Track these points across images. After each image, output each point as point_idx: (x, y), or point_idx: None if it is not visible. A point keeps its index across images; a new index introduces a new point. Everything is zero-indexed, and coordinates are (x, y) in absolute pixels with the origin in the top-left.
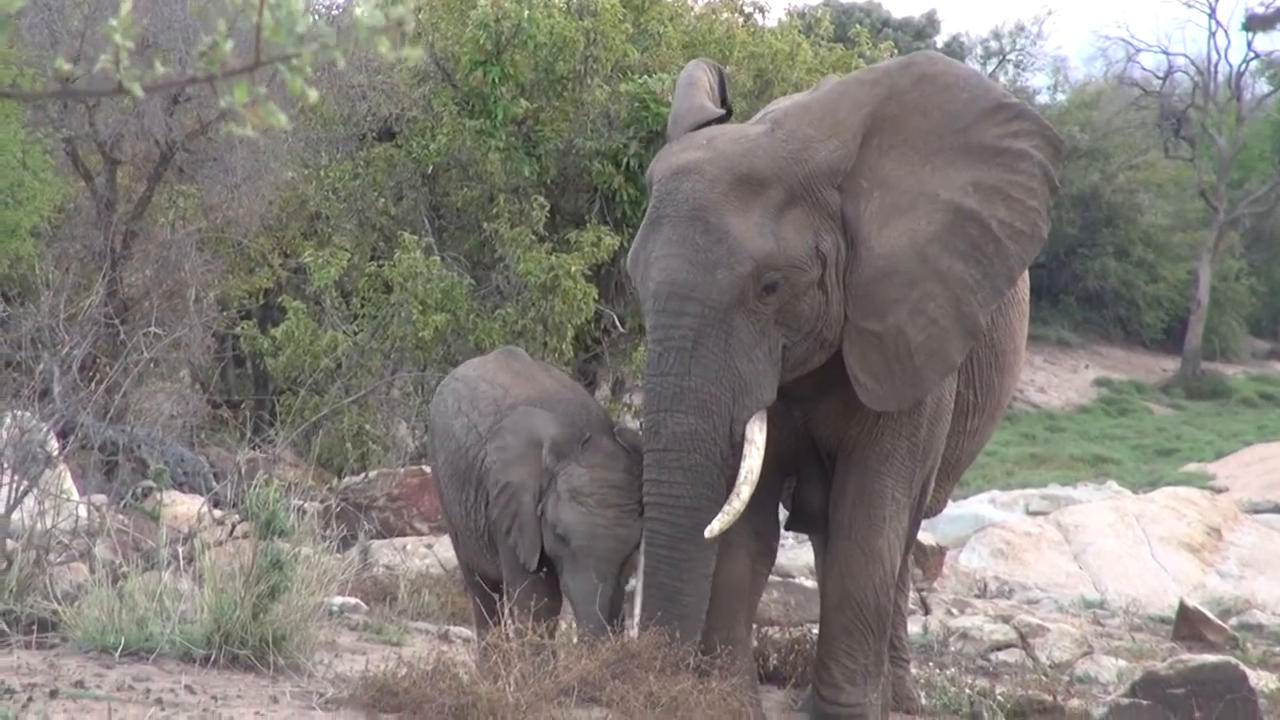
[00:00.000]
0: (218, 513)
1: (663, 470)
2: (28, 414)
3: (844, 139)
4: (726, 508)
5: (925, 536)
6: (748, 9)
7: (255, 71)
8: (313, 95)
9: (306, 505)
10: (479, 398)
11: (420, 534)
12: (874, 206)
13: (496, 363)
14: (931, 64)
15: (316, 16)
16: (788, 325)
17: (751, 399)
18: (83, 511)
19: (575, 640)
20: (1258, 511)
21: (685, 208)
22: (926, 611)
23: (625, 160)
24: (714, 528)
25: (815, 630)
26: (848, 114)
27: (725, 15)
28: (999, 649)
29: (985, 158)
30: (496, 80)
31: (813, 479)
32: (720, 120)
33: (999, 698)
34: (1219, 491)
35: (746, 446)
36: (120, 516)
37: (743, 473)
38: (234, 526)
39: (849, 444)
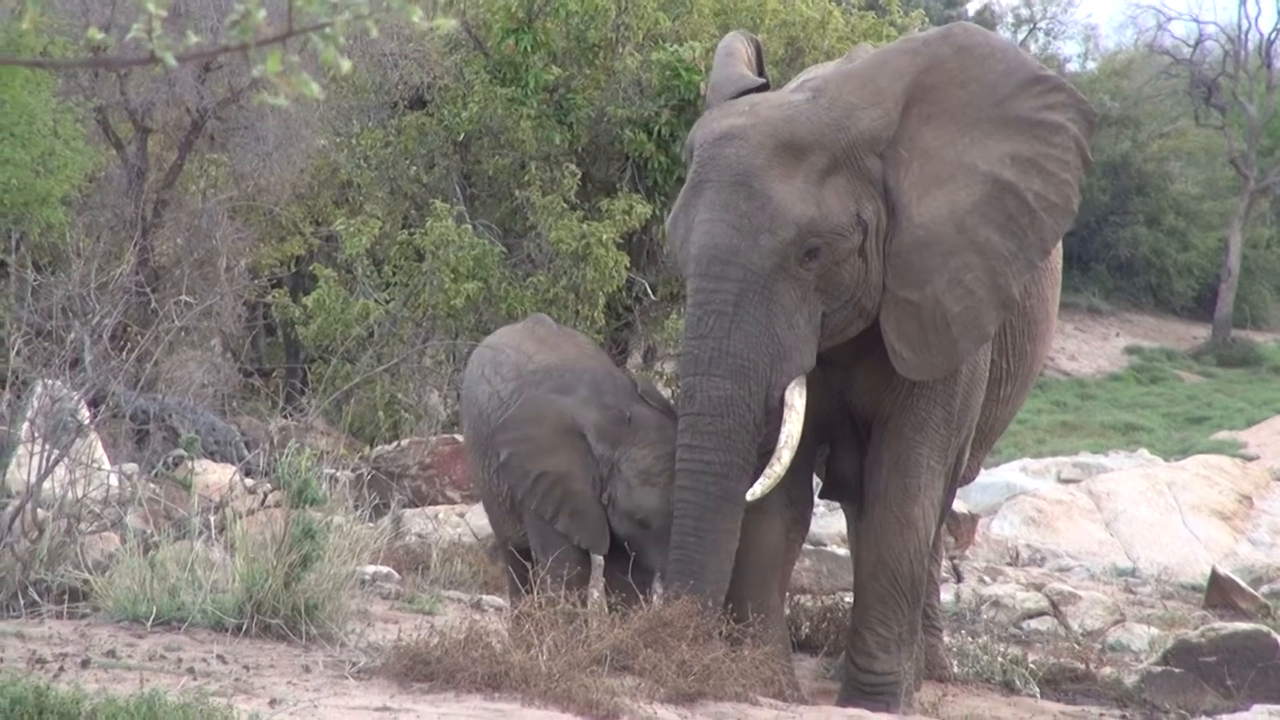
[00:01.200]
0: (249, 482)
1: (696, 435)
2: (59, 383)
3: (886, 107)
4: (768, 471)
5: (957, 504)
6: None
7: (288, 41)
8: (345, 65)
9: (338, 474)
10: (502, 364)
11: (452, 502)
12: (913, 175)
13: (523, 330)
14: (969, 35)
15: None
16: (827, 292)
17: (791, 365)
18: (114, 480)
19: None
20: None
21: (728, 173)
22: (959, 579)
23: (657, 128)
24: (755, 491)
25: (848, 598)
26: (889, 83)
27: None
28: (1031, 617)
29: (1022, 129)
30: (528, 48)
31: (848, 447)
32: (760, 89)
33: (1031, 666)
34: (1250, 459)
35: (786, 411)
36: (151, 485)
37: (783, 437)
38: (266, 495)
39: (884, 412)
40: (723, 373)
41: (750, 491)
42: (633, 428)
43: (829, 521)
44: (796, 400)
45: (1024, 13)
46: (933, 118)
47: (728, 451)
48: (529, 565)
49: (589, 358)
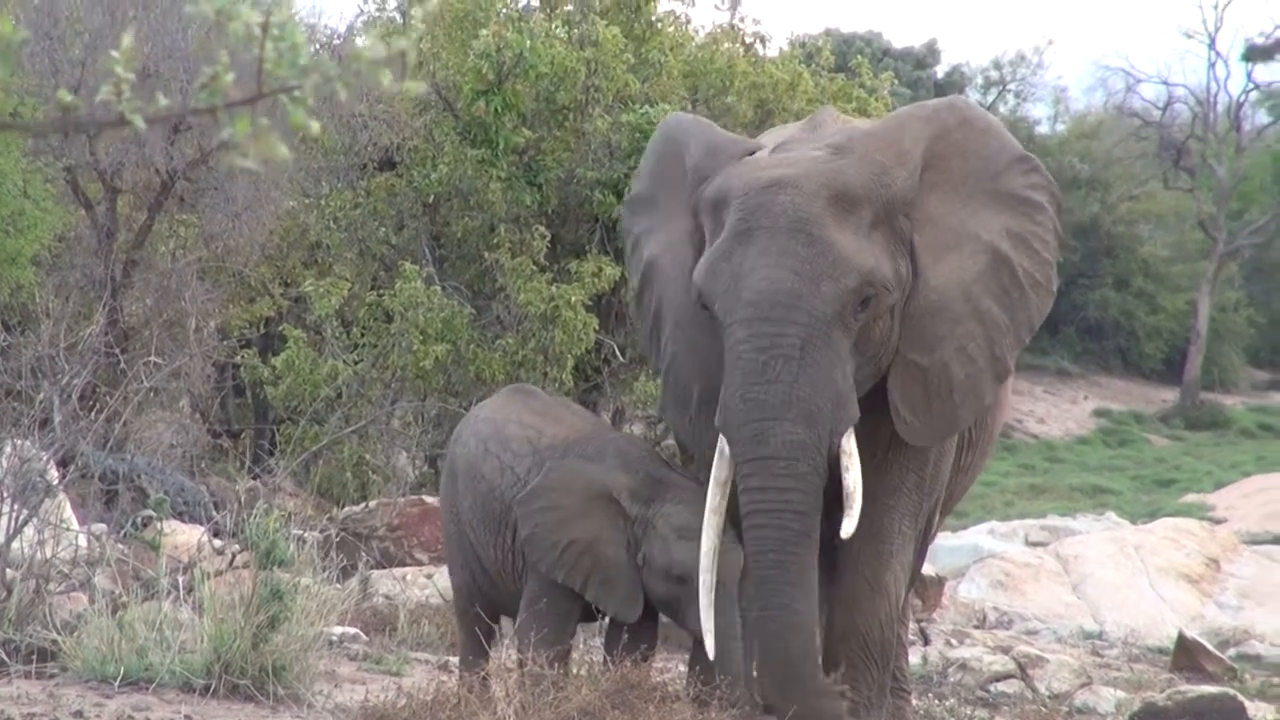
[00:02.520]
0: (218, 542)
1: (770, 477)
2: (28, 443)
3: (910, 170)
4: (849, 511)
5: (925, 567)
6: (749, 39)
7: (257, 103)
8: (315, 127)
9: (306, 535)
10: (509, 439)
11: (420, 564)
12: (925, 240)
13: (517, 402)
14: (969, 108)
15: (318, 47)
16: (858, 348)
17: (846, 413)
18: (82, 541)
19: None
20: (1257, 542)
21: (784, 220)
22: (926, 642)
23: (626, 190)
24: (847, 528)
25: None
26: (910, 146)
27: (726, 45)
28: (998, 680)
29: (1013, 206)
30: (498, 110)
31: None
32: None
33: None
34: (1218, 522)
35: (845, 459)
36: (120, 546)
37: (851, 482)
38: (234, 556)
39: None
40: (794, 417)
41: (843, 528)
42: (665, 486)
43: None
44: (852, 448)
45: (993, 75)
46: (937, 185)
47: (803, 492)
48: (495, 629)
49: (604, 427)
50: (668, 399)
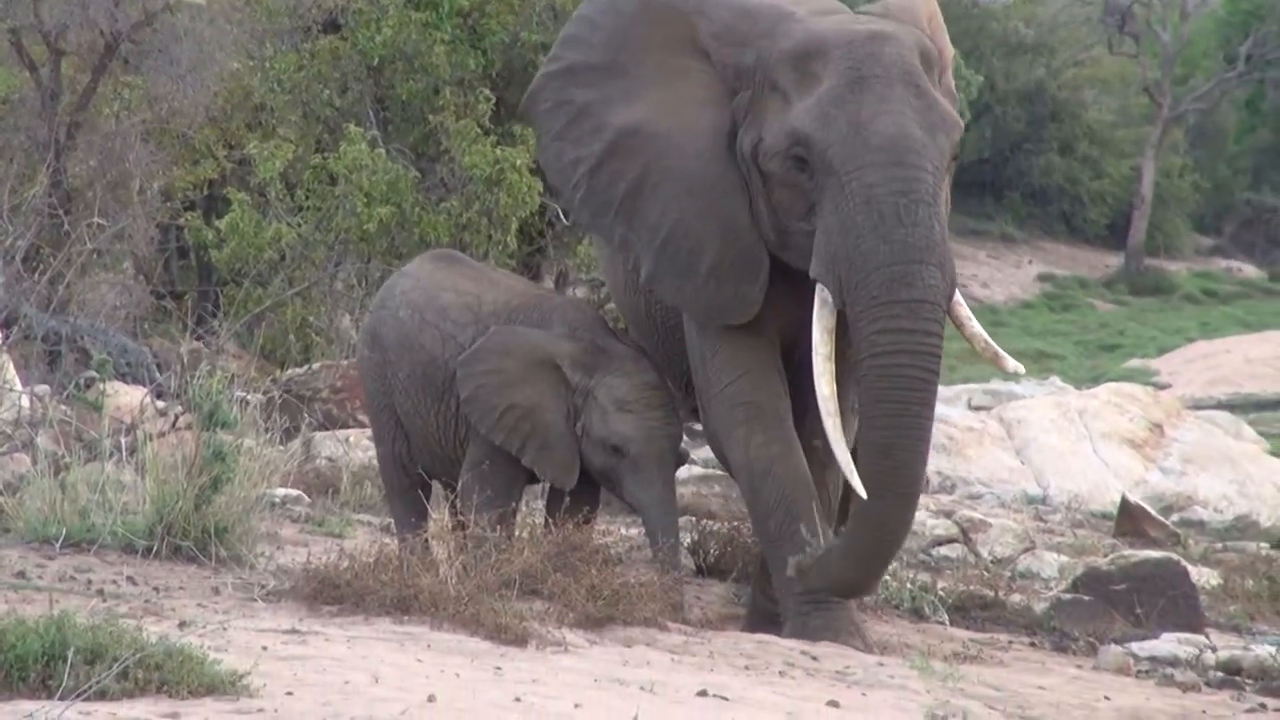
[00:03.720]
0: (160, 404)
1: (917, 320)
2: None
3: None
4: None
5: None
6: None
7: None
8: None
9: (249, 397)
10: (447, 308)
11: (363, 426)
12: None
13: (446, 269)
14: None
15: None
16: None
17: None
18: (25, 402)
19: (653, 553)
20: (1200, 408)
21: (895, 70)
22: None
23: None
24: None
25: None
26: (925, 23)
27: None
28: (940, 544)
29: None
30: None
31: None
32: None
33: (940, 593)
34: (1162, 388)
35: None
36: (63, 407)
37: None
38: (177, 418)
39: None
40: (935, 262)
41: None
42: (607, 357)
43: None
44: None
45: None
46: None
47: (940, 339)
48: (432, 491)
49: (541, 291)
50: (662, 268)
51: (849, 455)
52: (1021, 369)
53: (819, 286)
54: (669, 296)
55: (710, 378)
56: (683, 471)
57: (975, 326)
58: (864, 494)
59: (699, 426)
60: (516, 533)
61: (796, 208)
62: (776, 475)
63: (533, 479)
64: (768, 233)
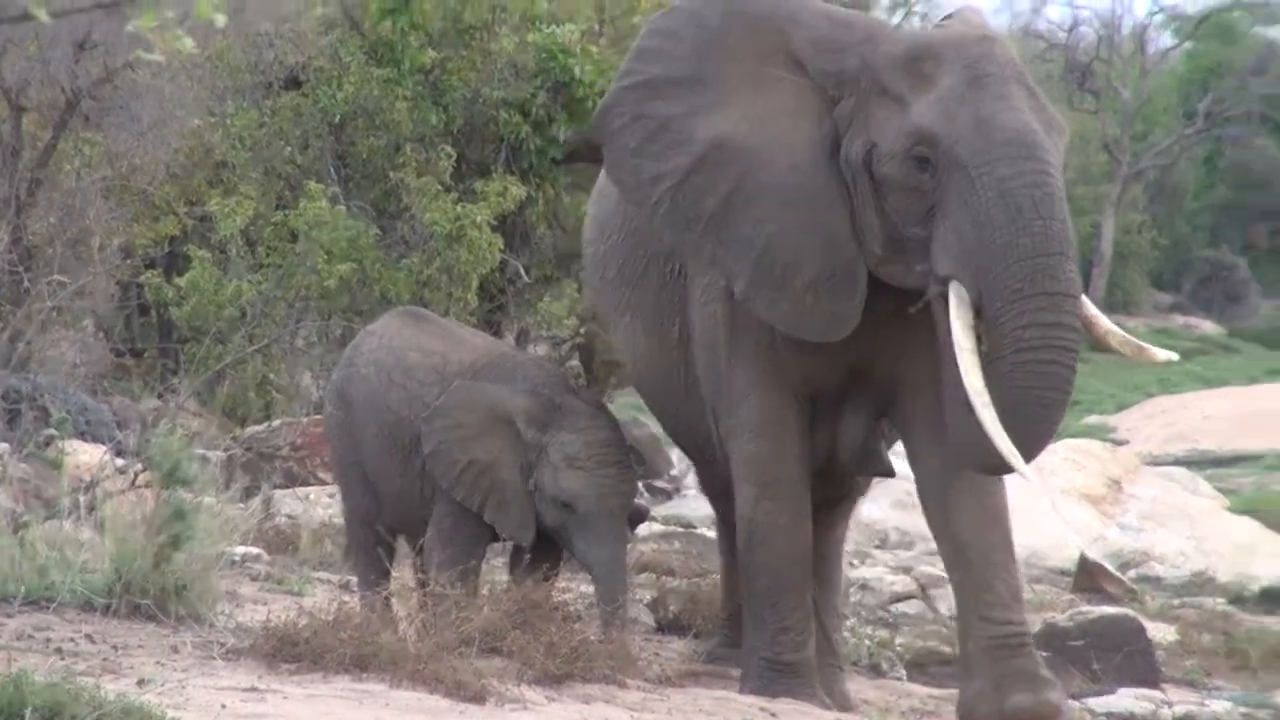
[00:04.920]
0: (120, 462)
1: (1064, 314)
2: None
3: None
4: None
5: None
6: None
7: None
8: (220, 19)
9: (210, 454)
10: (413, 368)
11: (323, 483)
12: None
13: (413, 327)
14: None
15: None
16: None
17: None
18: None
19: (602, 611)
20: (1158, 464)
21: (1010, 70)
22: None
23: (532, 110)
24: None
25: (715, 578)
26: None
27: None
28: (899, 600)
29: None
30: (404, 29)
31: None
32: None
33: (898, 648)
34: (1120, 444)
35: None
36: (22, 465)
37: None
38: (136, 476)
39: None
40: (1071, 256)
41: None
42: (562, 413)
43: (698, 505)
44: None
45: None
46: None
47: (1080, 334)
48: (395, 549)
49: (505, 348)
50: (757, 282)
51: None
52: (1175, 356)
53: (952, 284)
54: (764, 312)
55: (734, 427)
56: (643, 528)
57: (1107, 323)
58: (1027, 474)
59: (659, 484)
60: (479, 590)
61: (914, 212)
62: (776, 546)
63: (496, 536)
64: (872, 246)
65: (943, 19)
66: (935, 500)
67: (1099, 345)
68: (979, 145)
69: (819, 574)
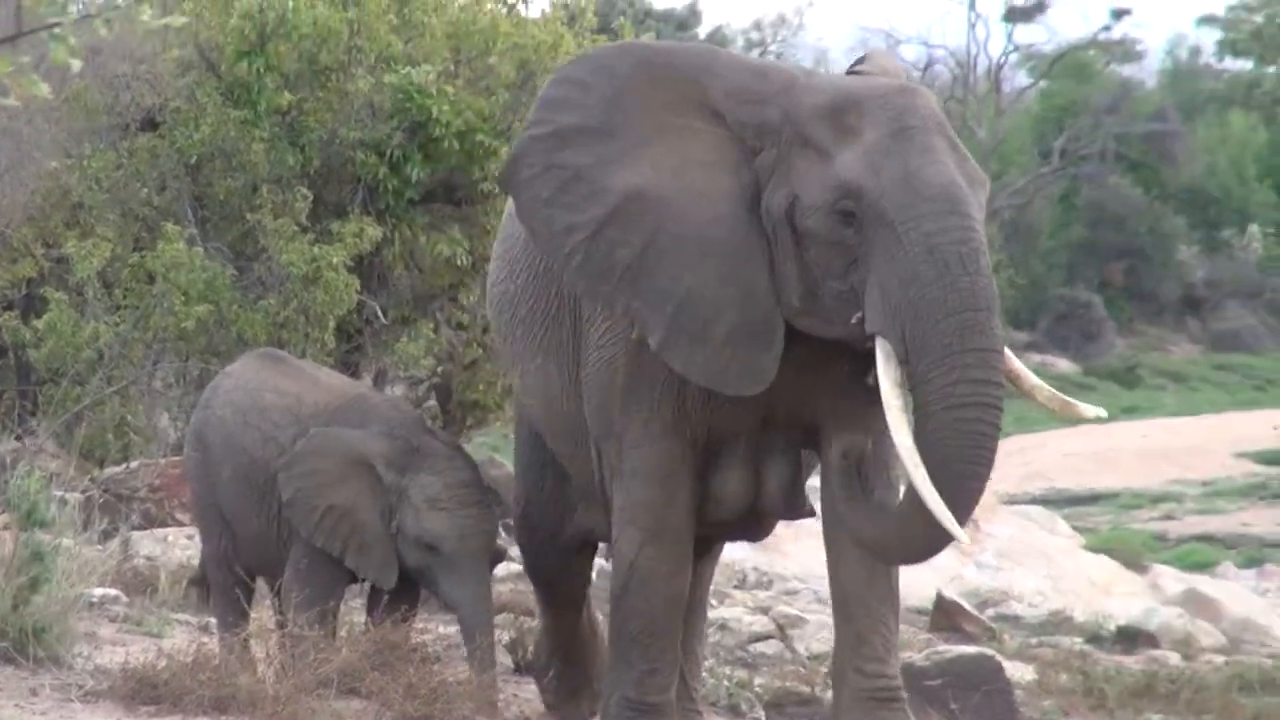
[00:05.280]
0: None
1: (990, 370)
2: None
3: None
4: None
5: None
6: (512, 0)
7: (17, 41)
8: (76, 65)
9: (68, 496)
10: (268, 409)
11: (181, 524)
12: None
13: (269, 369)
14: None
15: None
16: None
17: None
18: None
19: (469, 652)
20: (1015, 503)
21: (931, 121)
22: None
23: (389, 151)
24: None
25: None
26: None
27: (489, 6)
28: (757, 640)
29: None
30: (261, 71)
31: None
32: None
33: (757, 689)
34: None
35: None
36: None
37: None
38: None
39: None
40: (996, 312)
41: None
42: (421, 455)
43: None
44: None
45: (754, 36)
46: None
47: (1005, 391)
48: (254, 590)
49: (368, 391)
50: (674, 336)
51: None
52: (1103, 413)
53: (879, 341)
54: (680, 365)
55: (624, 472)
56: (500, 569)
57: (1033, 378)
58: (961, 538)
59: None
60: (337, 631)
61: (835, 265)
62: (654, 592)
63: (355, 578)
64: (790, 298)
65: (856, 63)
66: (831, 541)
67: (1025, 398)
68: (905, 200)
69: (686, 620)
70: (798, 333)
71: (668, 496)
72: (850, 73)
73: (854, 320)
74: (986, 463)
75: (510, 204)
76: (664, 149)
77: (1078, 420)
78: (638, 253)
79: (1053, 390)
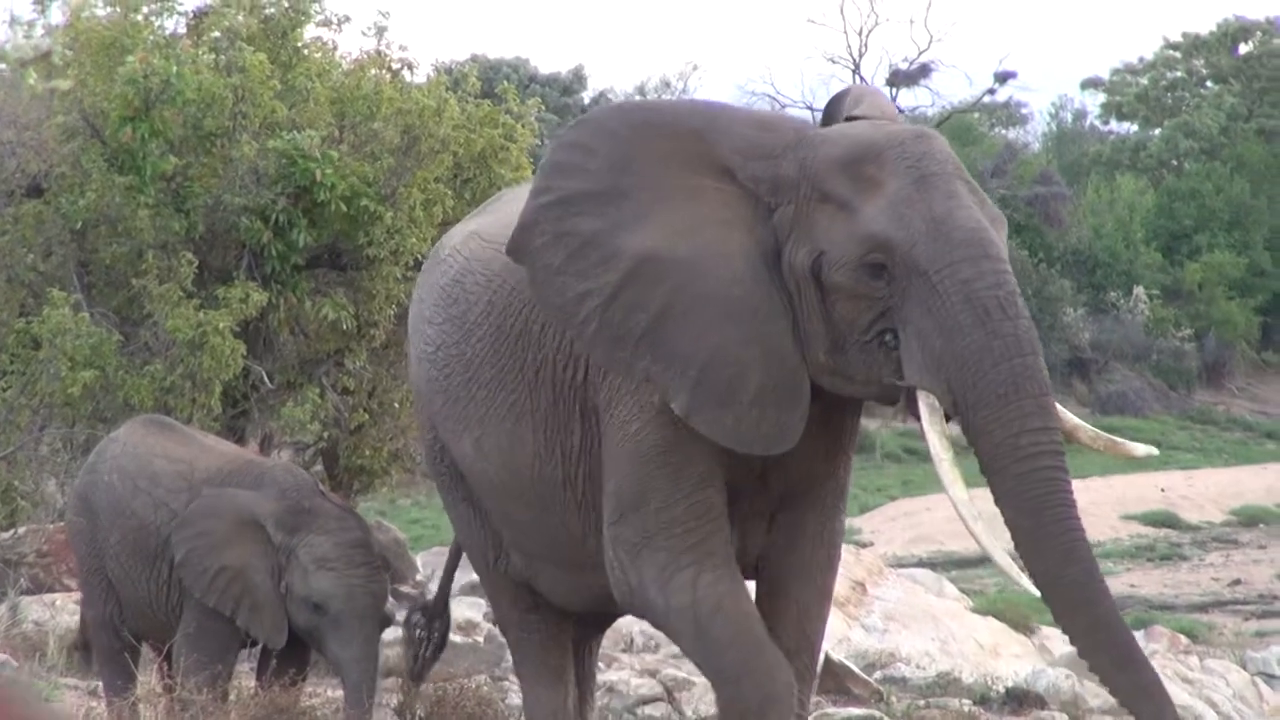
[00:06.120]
0: None
1: (1049, 416)
2: None
3: None
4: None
5: None
6: (395, 65)
7: None
8: None
9: None
10: (159, 475)
11: (69, 589)
12: None
13: (157, 434)
14: None
15: None
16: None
17: None
18: None
19: (348, 713)
20: (902, 565)
21: (950, 166)
22: None
23: (274, 216)
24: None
25: (463, 683)
26: None
27: (373, 71)
28: (645, 703)
29: None
30: (145, 136)
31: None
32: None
33: None
34: (864, 546)
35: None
36: None
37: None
38: None
39: (817, 477)
40: (1041, 354)
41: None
42: (312, 516)
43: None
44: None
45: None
46: None
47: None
48: (141, 655)
49: (261, 458)
50: (699, 399)
51: (1008, 557)
52: (1155, 450)
53: (921, 395)
54: (706, 428)
55: (652, 523)
56: (389, 633)
57: (1073, 418)
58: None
59: (405, 588)
60: (228, 694)
61: (862, 319)
62: (728, 611)
63: (246, 640)
64: (816, 354)
65: (839, 102)
66: (771, 601)
67: (1069, 439)
68: (937, 249)
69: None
70: (816, 391)
71: (710, 532)
72: (849, 118)
73: (886, 379)
74: (1074, 506)
75: (428, 264)
76: (675, 209)
77: (1126, 458)
78: (655, 316)
79: (1096, 430)
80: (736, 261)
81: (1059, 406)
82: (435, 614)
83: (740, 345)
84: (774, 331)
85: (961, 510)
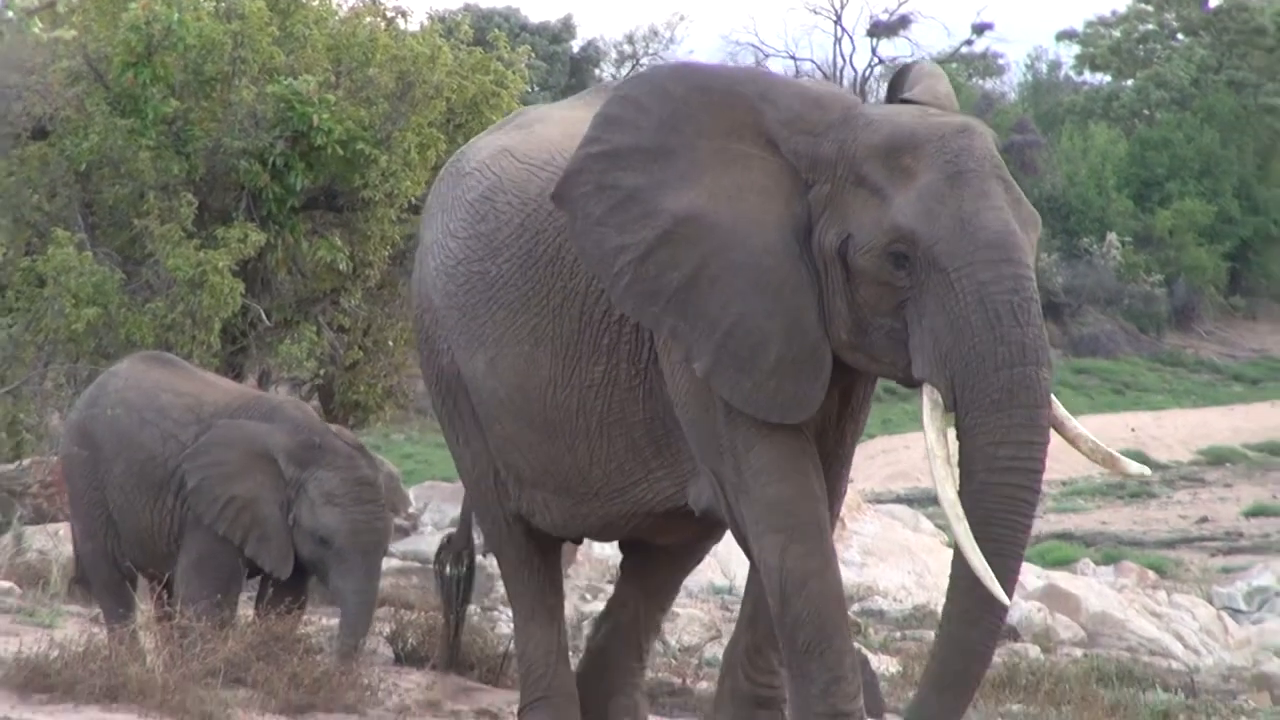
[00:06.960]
0: None
1: (1035, 431)
2: None
3: None
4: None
5: None
6: (390, 13)
7: None
8: None
9: None
10: (167, 407)
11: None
12: None
13: (160, 370)
14: None
15: None
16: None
17: None
18: None
19: (341, 642)
20: (880, 501)
21: (987, 164)
22: None
23: (271, 159)
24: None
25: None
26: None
27: (368, 19)
28: None
29: None
30: (147, 81)
31: None
32: None
33: None
34: None
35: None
36: None
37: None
38: None
39: (842, 433)
40: (1047, 364)
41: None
42: (322, 452)
43: (435, 540)
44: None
45: (626, 50)
46: None
47: (1048, 448)
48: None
49: (268, 394)
50: (722, 363)
51: (984, 559)
52: (1147, 471)
53: (926, 388)
54: (726, 392)
55: (746, 478)
56: (382, 563)
57: (1077, 426)
58: (1004, 600)
59: (398, 520)
60: (233, 621)
61: (884, 305)
62: (811, 589)
63: (253, 570)
64: (839, 332)
65: (900, 78)
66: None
67: (1070, 446)
68: (959, 248)
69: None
70: (839, 365)
71: (797, 490)
72: (903, 100)
73: (904, 364)
74: (1024, 528)
75: (449, 177)
76: (720, 174)
77: (1124, 475)
78: (688, 277)
79: (1096, 442)
80: (771, 232)
81: (1066, 414)
82: (459, 550)
83: (765, 317)
84: (799, 306)
85: (949, 510)
